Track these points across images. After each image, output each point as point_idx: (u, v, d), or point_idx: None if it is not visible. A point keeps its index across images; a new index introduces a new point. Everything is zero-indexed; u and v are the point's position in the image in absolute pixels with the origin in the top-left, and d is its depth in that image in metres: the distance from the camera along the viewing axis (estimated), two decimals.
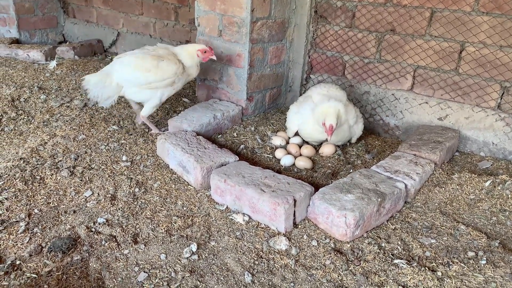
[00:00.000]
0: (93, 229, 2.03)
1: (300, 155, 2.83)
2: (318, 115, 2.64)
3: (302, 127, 2.83)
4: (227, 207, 2.22)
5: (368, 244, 1.97)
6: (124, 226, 2.07)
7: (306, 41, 3.42)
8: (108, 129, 2.98)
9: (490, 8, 2.61)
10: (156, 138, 2.76)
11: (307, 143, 2.92)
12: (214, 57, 2.91)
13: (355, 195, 2.06)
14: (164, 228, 2.07)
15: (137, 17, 4.63)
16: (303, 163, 2.66)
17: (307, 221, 2.11)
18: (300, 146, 2.88)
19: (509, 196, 2.30)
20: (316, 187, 2.42)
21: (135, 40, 4.75)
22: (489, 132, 2.81)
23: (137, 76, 2.75)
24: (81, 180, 2.40)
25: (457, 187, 2.40)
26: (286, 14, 3.29)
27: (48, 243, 1.92)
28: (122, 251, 1.91)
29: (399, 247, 1.97)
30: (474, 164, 2.75)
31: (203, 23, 3.30)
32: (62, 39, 5.55)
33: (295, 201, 2.02)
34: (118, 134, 2.93)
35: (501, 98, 2.72)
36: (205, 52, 2.87)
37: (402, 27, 2.97)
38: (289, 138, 2.98)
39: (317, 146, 2.90)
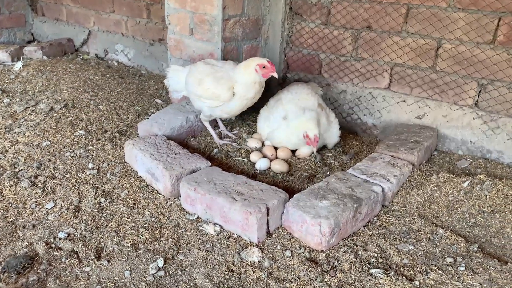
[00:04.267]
0: (53, 245, 1.90)
1: (276, 157, 2.74)
2: (297, 129, 2.58)
3: (273, 135, 2.74)
4: (198, 217, 2.11)
5: (344, 252, 1.89)
6: (87, 241, 1.95)
7: (281, 39, 3.32)
8: (74, 134, 2.83)
9: (466, 4, 2.55)
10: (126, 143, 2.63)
11: None
12: (275, 74, 2.51)
13: (330, 201, 1.98)
14: (130, 242, 1.95)
15: (108, 15, 4.46)
16: (278, 167, 2.57)
17: (281, 230, 2.01)
18: (276, 148, 2.78)
19: (487, 196, 2.25)
20: (292, 191, 2.33)
21: (106, 38, 4.58)
22: (467, 131, 2.76)
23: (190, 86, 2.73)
24: (42, 191, 2.26)
25: (436, 188, 2.34)
26: (260, 11, 3.19)
27: (2, 262, 1.78)
28: (84, 268, 1.79)
29: (376, 254, 1.89)
30: (453, 163, 2.70)
31: (174, 21, 3.17)
32: (31, 39, 5.33)
33: (268, 209, 1.93)
34: (85, 139, 2.79)
35: (478, 96, 2.68)
36: (264, 67, 2.50)
37: (378, 24, 2.90)
38: (264, 140, 2.88)
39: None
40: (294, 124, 2.61)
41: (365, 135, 3.18)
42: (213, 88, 2.59)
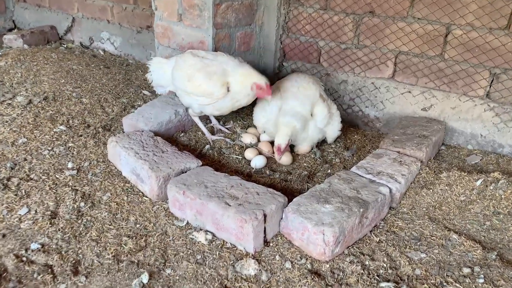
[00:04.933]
0: (24, 258, 1.70)
1: (273, 153, 2.53)
2: (276, 126, 2.43)
3: (267, 126, 2.53)
4: (187, 223, 1.91)
5: (350, 263, 1.70)
6: (63, 252, 1.74)
7: (277, 25, 3.09)
8: (54, 130, 2.61)
9: None
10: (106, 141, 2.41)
11: None
12: (269, 98, 2.40)
13: (334, 206, 1.79)
14: (111, 253, 1.75)
15: (93, 1, 4.19)
16: (286, 159, 2.43)
17: (279, 238, 1.82)
18: (273, 144, 2.58)
19: (503, 196, 2.07)
20: (291, 193, 2.15)
21: (91, 26, 4.31)
22: (477, 124, 2.57)
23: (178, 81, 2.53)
24: (16, 195, 2.05)
25: (446, 187, 2.15)
26: None
27: None
28: (58, 286, 1.59)
29: (385, 265, 1.71)
30: (462, 159, 2.52)
31: (161, 6, 2.92)
32: (12, 26, 5.04)
33: (265, 216, 1.73)
34: (65, 136, 2.56)
35: (490, 86, 2.48)
36: (260, 88, 2.32)
37: (382, 9, 2.68)
38: (260, 134, 2.67)
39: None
40: (277, 120, 2.46)
41: (367, 128, 2.99)
42: (205, 84, 2.37)
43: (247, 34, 3.03)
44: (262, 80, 2.31)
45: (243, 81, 2.34)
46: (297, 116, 2.40)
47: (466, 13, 2.41)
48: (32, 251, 1.74)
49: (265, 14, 3.08)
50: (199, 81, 2.37)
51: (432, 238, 1.86)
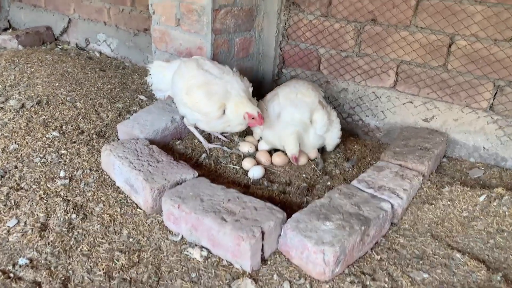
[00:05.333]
0: (11, 274, 1.62)
1: (271, 163, 2.48)
2: (278, 136, 2.40)
3: (265, 133, 2.48)
4: (182, 238, 1.85)
5: (350, 283, 1.64)
6: (52, 268, 1.67)
7: (277, 32, 3.03)
8: (47, 136, 2.53)
9: None
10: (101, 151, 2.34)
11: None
12: (261, 127, 2.41)
13: (334, 223, 1.73)
14: (103, 269, 1.68)
15: (89, 2, 4.12)
16: (279, 160, 2.44)
17: (278, 255, 1.76)
18: (271, 154, 2.52)
19: (507, 213, 2.01)
20: (290, 206, 2.09)
21: (88, 27, 4.24)
22: (480, 136, 2.52)
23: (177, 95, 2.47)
24: (5, 205, 1.97)
25: (449, 203, 2.10)
26: (254, 1, 2.89)
27: None
28: None
29: (386, 285, 1.65)
30: (464, 172, 2.47)
31: (159, 10, 2.86)
32: (7, 26, 4.97)
33: (263, 233, 1.67)
34: (58, 142, 2.49)
35: (494, 99, 2.43)
36: (253, 118, 2.27)
37: (384, 17, 2.62)
38: (258, 142, 2.61)
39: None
40: (277, 133, 2.42)
41: (367, 138, 2.93)
42: (203, 104, 2.30)
43: (246, 40, 2.97)
44: (254, 110, 2.25)
45: (237, 110, 2.28)
46: (299, 123, 2.40)
47: (470, 23, 2.36)
48: (20, 266, 1.66)
49: (265, 20, 3.02)
50: (198, 98, 2.31)
51: (435, 256, 1.81)
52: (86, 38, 4.30)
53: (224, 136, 2.67)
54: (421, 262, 1.78)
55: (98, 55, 4.15)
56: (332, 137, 2.52)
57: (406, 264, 1.77)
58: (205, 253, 1.75)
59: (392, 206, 1.93)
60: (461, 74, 2.48)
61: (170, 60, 2.70)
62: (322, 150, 2.61)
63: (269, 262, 1.73)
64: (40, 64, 3.60)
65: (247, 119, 2.27)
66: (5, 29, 4.88)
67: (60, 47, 4.35)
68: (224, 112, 2.30)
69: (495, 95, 2.42)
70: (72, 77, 3.40)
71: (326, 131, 2.47)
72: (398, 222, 2.01)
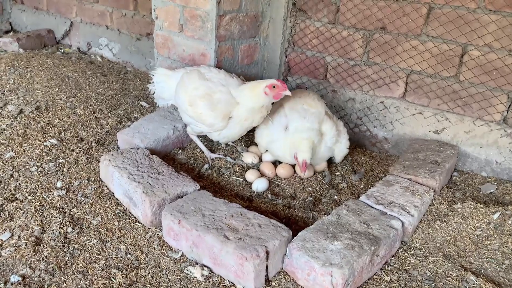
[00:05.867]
0: None
1: (276, 175, 2.39)
2: (289, 145, 2.26)
3: (272, 146, 2.39)
4: (182, 255, 1.76)
5: None
6: (46, 287, 1.59)
7: (282, 38, 2.95)
8: (44, 143, 2.46)
9: (499, 6, 2.21)
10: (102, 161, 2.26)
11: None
12: (288, 92, 2.18)
13: (343, 243, 1.64)
14: None
15: (92, 5, 4.06)
16: (283, 171, 2.36)
17: (282, 276, 1.67)
18: (275, 165, 2.44)
19: None
20: (295, 221, 2.01)
21: (90, 31, 4.17)
22: (492, 150, 2.43)
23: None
24: None
25: (461, 220, 2.01)
26: (259, 7, 2.82)
27: None
28: None
29: None
30: (476, 187, 2.38)
31: (162, 15, 2.79)
32: (9, 28, 4.91)
33: (267, 253, 1.58)
34: (56, 150, 2.41)
35: (508, 111, 2.35)
36: (274, 87, 2.15)
37: (394, 25, 2.54)
38: (262, 154, 2.53)
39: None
40: (289, 138, 2.29)
41: (375, 149, 2.84)
42: (206, 115, 2.23)
43: (251, 47, 2.90)
44: (272, 80, 2.16)
45: (253, 90, 2.19)
46: (312, 131, 2.27)
47: (484, 33, 2.28)
48: (12, 284, 1.58)
49: (270, 26, 2.94)
50: (201, 109, 2.23)
51: (448, 278, 1.72)
52: (88, 42, 4.24)
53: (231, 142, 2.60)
54: (433, 284, 1.69)
55: (99, 59, 4.08)
56: (341, 148, 2.44)
57: (417, 286, 1.68)
58: (206, 272, 1.66)
59: (403, 224, 1.85)
60: (474, 85, 2.39)
61: (174, 67, 2.63)
62: (329, 162, 2.52)
63: (273, 283, 1.64)
64: (40, 68, 3.53)
65: (270, 92, 2.16)
66: (7, 32, 4.82)
67: (62, 50, 4.29)
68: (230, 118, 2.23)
69: (509, 107, 2.33)
70: (72, 82, 3.32)
71: (335, 142, 2.39)
72: (408, 240, 1.92)
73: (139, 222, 1.95)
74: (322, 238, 1.66)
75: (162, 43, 2.88)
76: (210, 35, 2.59)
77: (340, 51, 2.78)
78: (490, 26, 2.25)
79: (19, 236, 1.81)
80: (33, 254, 1.73)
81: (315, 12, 2.81)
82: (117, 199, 2.09)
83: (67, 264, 1.70)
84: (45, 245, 1.78)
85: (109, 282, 1.63)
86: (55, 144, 2.47)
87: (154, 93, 2.60)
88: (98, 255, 1.76)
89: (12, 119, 2.66)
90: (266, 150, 2.49)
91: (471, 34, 2.31)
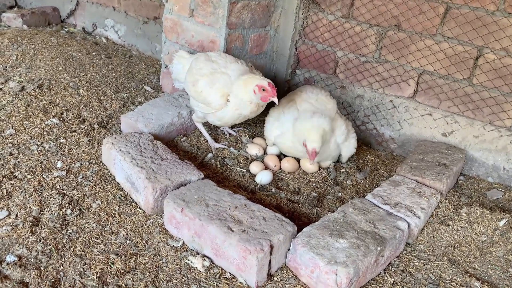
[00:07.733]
0: None
1: (280, 168, 2.35)
2: (298, 133, 2.17)
3: (280, 140, 2.34)
4: (183, 243, 1.72)
5: None
6: (42, 268, 1.55)
7: (294, 30, 2.90)
8: (46, 122, 2.40)
9: None
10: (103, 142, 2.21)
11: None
12: (275, 100, 2.11)
13: (348, 241, 1.60)
14: (96, 273, 1.56)
15: None
16: (288, 165, 2.32)
17: (285, 271, 1.64)
18: (280, 158, 2.39)
19: None
20: (298, 217, 1.97)
21: (96, 11, 4.10)
22: (501, 155, 2.40)
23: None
24: None
25: (467, 225, 1.98)
26: None
27: None
28: None
29: None
30: (482, 192, 2.34)
31: None
32: (13, 4, 4.81)
33: (271, 247, 1.54)
34: (57, 130, 2.36)
35: None
36: (263, 90, 2.10)
37: (409, 23, 2.49)
38: (267, 146, 2.48)
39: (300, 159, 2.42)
40: (298, 125, 2.19)
41: (381, 148, 2.81)
42: (205, 92, 2.21)
43: (261, 37, 2.84)
44: (263, 81, 2.11)
45: (246, 86, 2.14)
46: (324, 120, 2.15)
47: (502, 36, 2.23)
48: (8, 264, 1.54)
49: (282, 17, 2.89)
50: (201, 87, 2.23)
51: (452, 283, 1.69)
52: (93, 22, 4.16)
53: (234, 131, 2.55)
54: None
55: (104, 40, 4.01)
56: (349, 148, 2.39)
57: None
58: (207, 263, 1.63)
59: (409, 225, 1.81)
60: (487, 89, 2.35)
61: (179, 51, 2.59)
62: (335, 161, 2.48)
63: (275, 278, 1.60)
64: (44, 46, 3.46)
65: (258, 93, 2.12)
66: (11, 7, 4.73)
67: (66, 29, 4.21)
68: (228, 101, 2.19)
69: None
70: (76, 62, 3.26)
71: (344, 140, 2.34)
72: (413, 242, 1.89)
73: (140, 208, 1.90)
74: (328, 235, 1.63)
75: (170, 27, 2.82)
76: (221, 22, 2.53)
77: (352, 47, 2.73)
78: (509, 30, 2.21)
79: (16, 215, 1.77)
80: (30, 234, 1.68)
81: (329, 5, 2.75)
82: (118, 183, 2.04)
83: (64, 247, 1.66)
84: (43, 226, 1.74)
85: (107, 267, 1.59)
86: (57, 124, 2.41)
87: (172, 73, 2.62)
88: (97, 239, 1.72)
89: (14, 96, 2.60)
90: (274, 144, 2.44)
91: (488, 36, 2.27)
